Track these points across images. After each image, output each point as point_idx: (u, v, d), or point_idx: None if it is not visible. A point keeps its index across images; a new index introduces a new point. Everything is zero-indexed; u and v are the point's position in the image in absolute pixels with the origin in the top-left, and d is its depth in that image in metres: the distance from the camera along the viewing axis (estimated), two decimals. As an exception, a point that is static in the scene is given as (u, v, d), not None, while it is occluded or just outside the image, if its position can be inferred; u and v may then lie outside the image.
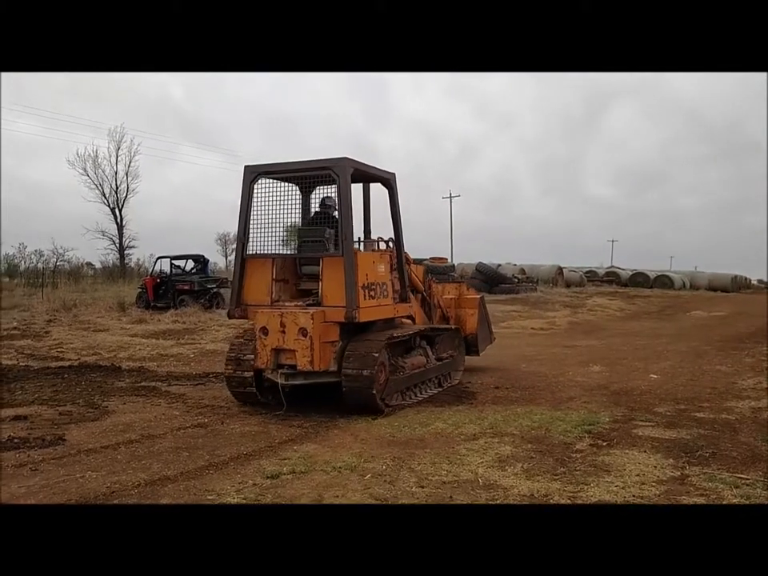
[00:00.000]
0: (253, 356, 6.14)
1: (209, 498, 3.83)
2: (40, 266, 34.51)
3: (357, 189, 6.59)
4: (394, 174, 6.99)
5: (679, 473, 4.28)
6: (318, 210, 6.77)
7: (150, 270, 21.18)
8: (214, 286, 18.67)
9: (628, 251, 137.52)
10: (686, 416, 6.01)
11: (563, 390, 7.37)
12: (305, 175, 6.29)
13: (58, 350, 10.86)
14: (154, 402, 6.75)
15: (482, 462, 4.49)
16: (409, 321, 7.24)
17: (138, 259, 41.19)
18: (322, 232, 6.33)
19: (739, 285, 43.95)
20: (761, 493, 3.86)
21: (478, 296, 8.95)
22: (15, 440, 5.10)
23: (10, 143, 55.90)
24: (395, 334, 6.52)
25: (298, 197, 6.46)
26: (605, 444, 4.98)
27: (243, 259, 6.42)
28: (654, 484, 4.05)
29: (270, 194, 6.32)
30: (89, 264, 40.88)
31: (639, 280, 39.63)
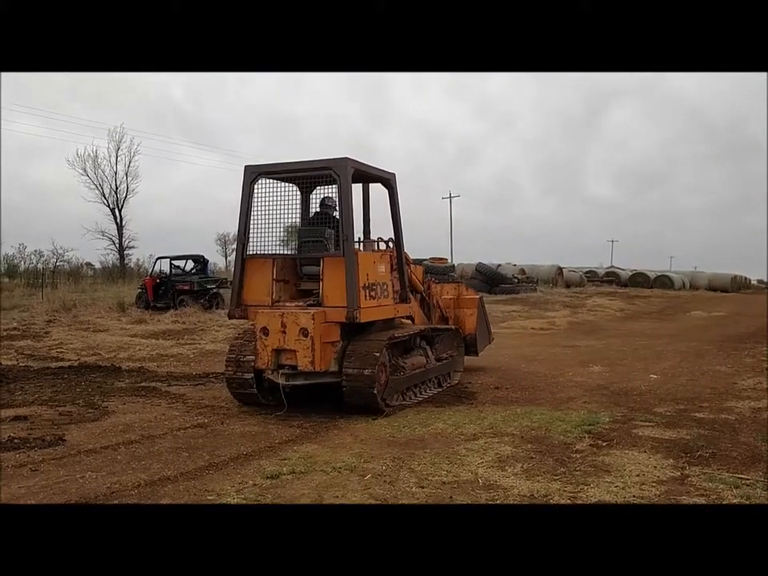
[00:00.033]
0: (253, 357, 6.13)
1: (209, 498, 3.83)
2: (40, 266, 34.47)
3: (356, 189, 6.59)
4: (394, 174, 6.99)
5: (679, 473, 4.28)
6: (317, 210, 6.78)
7: (150, 271, 21.17)
8: (214, 286, 18.67)
9: (628, 251, 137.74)
10: (685, 416, 6.01)
11: (563, 391, 7.37)
12: (305, 175, 6.29)
13: (58, 350, 10.85)
14: (153, 402, 6.74)
15: (482, 463, 4.49)
16: (408, 321, 7.25)
17: (138, 259, 41.21)
18: (323, 232, 6.34)
19: (739, 285, 43.95)
20: (761, 493, 3.86)
21: (477, 296, 8.95)
22: (15, 440, 5.10)
23: (10, 143, 55.92)
24: (396, 334, 6.52)
25: (298, 197, 6.46)
26: (605, 444, 4.98)
27: (243, 259, 6.41)
28: (653, 484, 4.05)
29: (271, 194, 6.33)
30: (88, 264, 40.91)
31: (639, 280, 39.64)
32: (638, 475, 4.21)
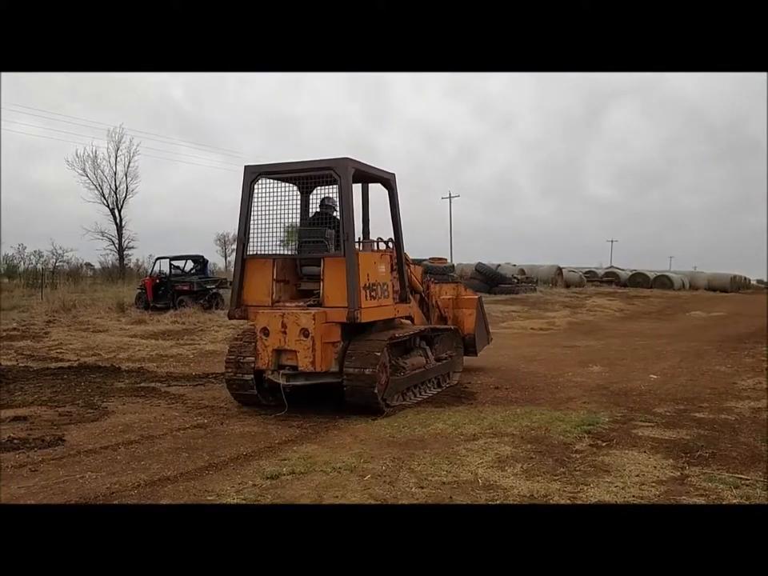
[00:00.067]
0: (253, 358, 6.13)
1: (208, 498, 3.83)
2: (39, 266, 34.45)
3: (356, 189, 6.59)
4: (393, 174, 6.99)
5: (679, 473, 4.28)
6: (317, 210, 6.77)
7: (150, 271, 21.15)
8: (214, 286, 18.66)
9: (627, 251, 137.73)
10: (685, 416, 6.01)
11: (563, 391, 7.37)
12: (306, 175, 6.29)
13: (58, 350, 10.85)
14: (153, 402, 6.74)
15: (482, 463, 4.49)
16: (408, 321, 7.25)
17: (138, 260, 41.15)
18: (323, 232, 6.34)
19: (738, 285, 43.98)
20: (761, 493, 3.86)
21: (476, 296, 8.95)
22: (15, 441, 5.09)
23: (10, 143, 55.89)
24: (397, 335, 6.53)
25: (298, 197, 6.46)
26: (604, 444, 4.98)
27: (243, 260, 6.41)
28: (653, 484, 4.05)
29: (271, 194, 6.33)
30: (88, 265, 40.89)
31: (639, 280, 39.66)
32: (637, 475, 4.21)
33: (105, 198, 38.53)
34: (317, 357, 5.80)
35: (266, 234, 6.30)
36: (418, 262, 9.00)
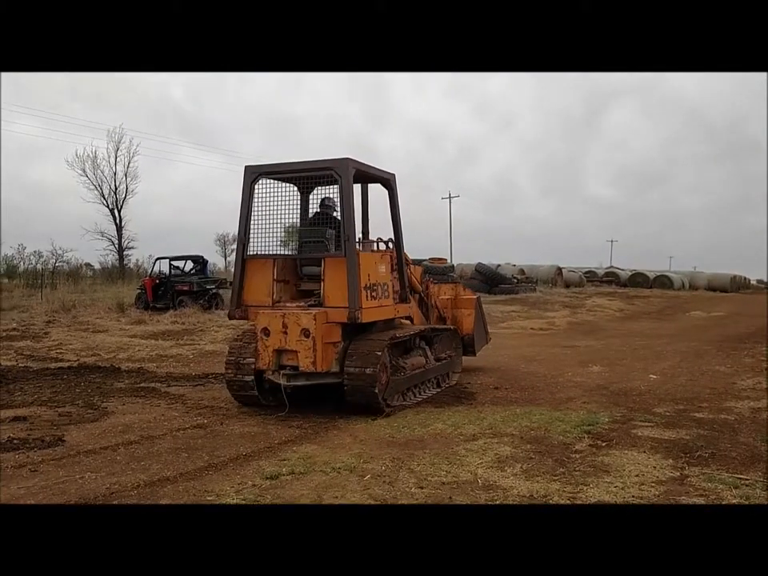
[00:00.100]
0: (253, 359, 6.13)
1: (208, 498, 3.83)
2: (39, 266, 34.43)
3: (355, 189, 6.59)
4: (394, 174, 6.99)
5: (678, 473, 4.28)
6: (317, 210, 6.77)
7: (149, 271, 21.15)
8: (213, 286, 18.66)
9: (627, 251, 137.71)
10: (685, 416, 6.01)
11: (562, 391, 7.37)
12: (307, 175, 6.29)
13: (57, 350, 10.85)
14: (153, 402, 6.74)
15: (482, 463, 4.49)
16: (407, 321, 7.25)
17: (137, 260, 41.13)
18: (323, 232, 6.33)
19: (738, 285, 43.98)
20: (760, 493, 3.86)
21: (474, 296, 8.95)
22: (15, 441, 5.09)
23: (10, 144, 55.89)
24: (397, 335, 6.53)
25: (298, 197, 6.46)
26: (604, 444, 4.98)
27: (244, 260, 6.41)
28: (653, 484, 4.05)
29: (271, 194, 6.33)
30: (88, 265, 40.88)
31: (638, 280, 39.66)
32: (637, 475, 4.21)
33: (105, 199, 38.55)
34: (317, 357, 5.80)
35: (267, 234, 6.30)
36: (417, 262, 9.00)
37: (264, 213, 6.31)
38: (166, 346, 11.26)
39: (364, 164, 6.38)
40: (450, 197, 52.07)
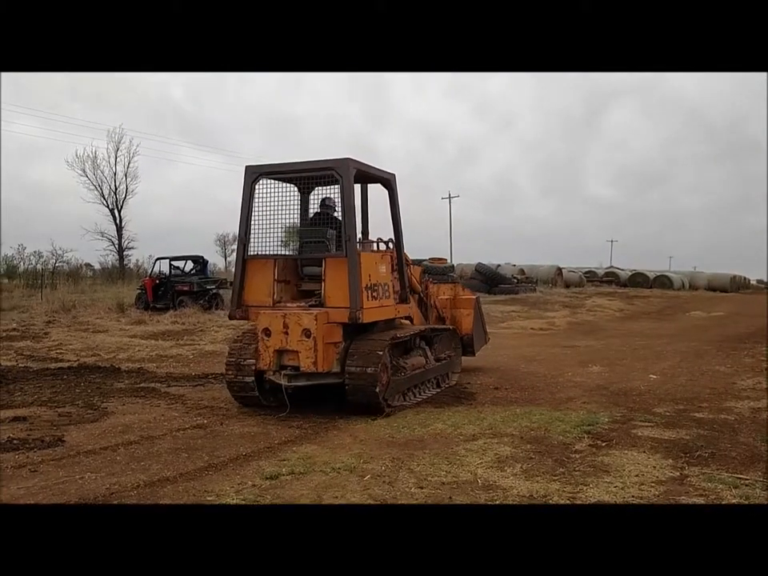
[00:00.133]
0: (253, 360, 6.12)
1: (208, 498, 3.83)
2: (39, 267, 34.41)
3: (355, 189, 6.59)
4: (394, 174, 6.99)
5: (678, 473, 4.28)
6: (318, 210, 6.77)
7: (149, 271, 21.15)
8: (213, 286, 18.65)
9: (627, 251, 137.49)
10: (685, 416, 6.01)
11: (562, 391, 7.37)
12: (308, 176, 6.29)
13: (57, 351, 10.85)
14: (153, 403, 6.74)
15: (481, 463, 4.49)
16: (407, 321, 7.25)
17: (137, 260, 41.09)
18: (324, 233, 6.33)
19: (738, 285, 43.98)
20: (760, 493, 3.86)
21: (473, 297, 8.96)
22: (14, 441, 5.09)
23: (10, 144, 55.86)
24: (398, 335, 6.53)
25: (298, 197, 6.46)
26: (604, 444, 4.98)
27: (244, 260, 6.41)
28: (653, 484, 4.05)
29: (272, 194, 6.33)
30: (88, 265, 40.85)
31: (638, 280, 39.66)
32: (637, 475, 4.21)
33: (105, 199, 38.52)
34: (319, 357, 5.80)
35: (267, 235, 6.30)
36: (417, 263, 9.01)
37: (265, 213, 6.31)
38: (166, 346, 11.27)
39: (364, 164, 6.39)
40: (449, 197, 52.13)
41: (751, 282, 54.40)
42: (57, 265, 34.61)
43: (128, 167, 38.59)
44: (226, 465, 4.56)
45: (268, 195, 6.33)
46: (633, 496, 3.83)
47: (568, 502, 3.75)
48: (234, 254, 7.39)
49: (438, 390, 7.29)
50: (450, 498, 3.81)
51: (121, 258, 39.29)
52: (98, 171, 37.99)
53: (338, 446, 5.00)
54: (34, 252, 39.62)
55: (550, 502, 3.76)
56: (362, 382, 5.85)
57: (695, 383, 7.87)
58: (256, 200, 6.35)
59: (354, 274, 5.88)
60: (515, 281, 29.26)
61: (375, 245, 7.05)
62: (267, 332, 5.93)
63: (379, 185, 7.03)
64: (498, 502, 3.74)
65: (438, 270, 16.62)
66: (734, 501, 3.75)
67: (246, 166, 6.44)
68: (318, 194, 6.88)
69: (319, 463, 4.50)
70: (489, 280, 27.16)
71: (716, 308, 23.43)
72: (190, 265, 19.71)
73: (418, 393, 6.92)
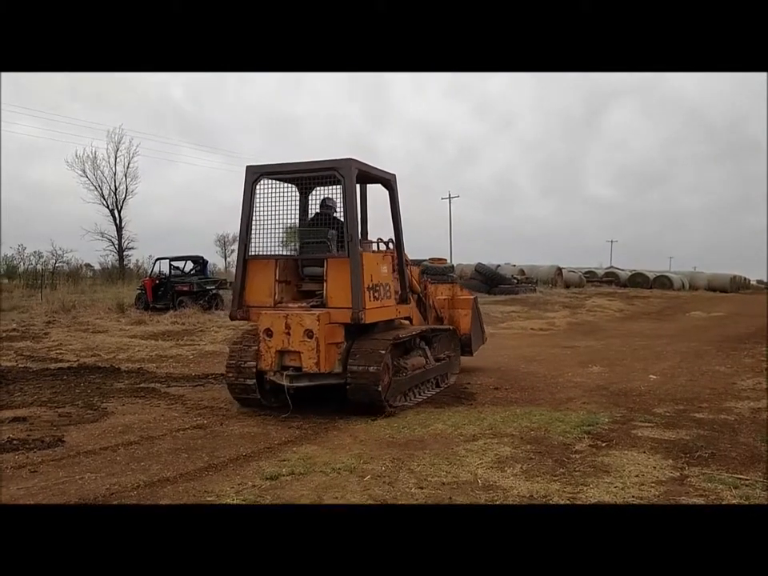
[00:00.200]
0: (254, 362, 6.12)
1: (208, 499, 3.83)
2: (39, 267, 34.43)
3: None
4: (394, 175, 6.99)
5: (678, 473, 4.28)
6: (318, 210, 6.77)
7: (149, 272, 21.15)
8: (213, 287, 18.65)
9: (627, 252, 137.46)
10: (685, 416, 6.01)
11: (562, 391, 7.37)
12: (309, 176, 6.29)
13: (57, 351, 10.84)
14: (153, 403, 6.74)
15: (482, 463, 4.49)
16: (407, 322, 7.25)
17: (137, 260, 41.09)
18: (325, 233, 6.33)
19: (738, 285, 43.99)
20: (760, 493, 3.86)
21: (471, 297, 8.96)
22: (14, 441, 5.09)
23: (10, 144, 55.84)
24: (400, 335, 6.53)
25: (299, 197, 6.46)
26: (604, 445, 4.98)
27: (245, 260, 6.40)
28: (653, 485, 4.04)
29: (273, 194, 6.32)
30: (88, 265, 40.83)
31: (638, 280, 39.66)
32: (637, 476, 4.21)
33: (104, 199, 38.53)
34: (321, 358, 5.80)
35: (268, 235, 6.30)
36: (417, 263, 9.00)
37: (266, 213, 6.31)
38: (166, 347, 11.26)
39: (366, 164, 6.39)
40: (449, 197, 52.15)
41: (751, 282, 54.42)
42: (57, 265, 34.64)
43: (128, 167, 38.63)
44: (225, 465, 4.55)
45: (269, 195, 6.32)
46: (633, 496, 3.83)
47: (568, 502, 3.75)
48: (234, 254, 7.39)
49: (438, 390, 7.29)
50: (450, 498, 3.80)
51: (121, 258, 39.29)
52: (98, 171, 38.03)
53: (338, 447, 5.00)
54: (34, 252, 39.64)
55: (550, 502, 3.75)
56: (364, 381, 5.85)
57: (695, 383, 7.87)
58: (257, 200, 6.35)
59: (357, 274, 5.88)
60: (515, 281, 29.24)
61: (375, 245, 7.05)
62: (269, 332, 5.93)
63: (379, 185, 7.03)
64: (498, 503, 3.74)
65: (436, 270, 16.61)
66: (734, 501, 3.74)
67: (247, 166, 6.43)
68: (317, 195, 6.88)
69: (319, 464, 4.49)
70: (489, 280, 27.16)
71: (716, 308, 23.43)
72: (189, 265, 19.71)
73: (419, 393, 6.92)
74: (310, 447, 5.01)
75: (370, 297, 6.05)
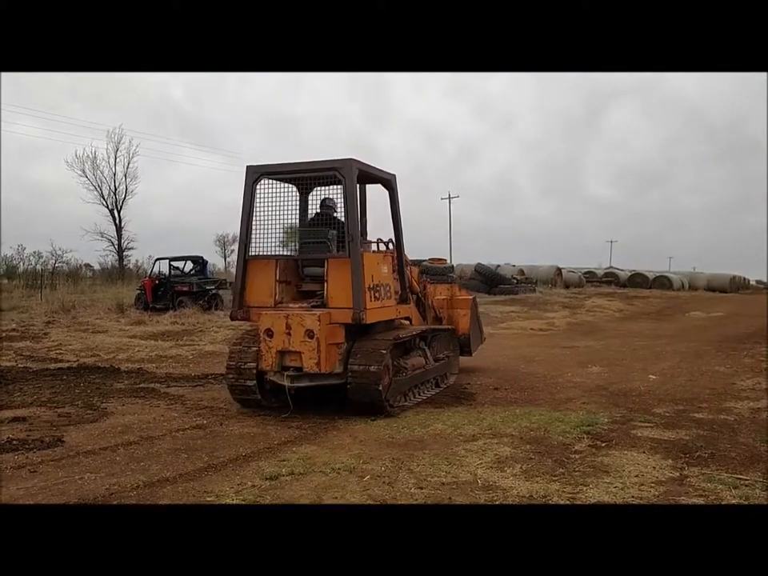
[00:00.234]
0: (254, 363, 6.11)
1: (208, 499, 3.83)
2: (39, 267, 34.46)
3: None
4: (394, 175, 7.00)
5: (678, 473, 4.28)
6: (318, 211, 6.77)
7: (149, 272, 21.16)
8: (213, 287, 18.66)
9: (627, 252, 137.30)
10: (684, 417, 6.01)
11: (562, 391, 7.37)
12: (310, 176, 6.29)
13: (57, 351, 10.84)
14: (152, 403, 6.74)
15: (481, 463, 4.49)
16: (406, 322, 7.26)
17: (137, 261, 41.11)
18: (325, 233, 6.33)
19: (738, 285, 44.00)
20: (760, 493, 3.86)
21: (470, 297, 8.96)
22: (14, 441, 5.09)
23: (10, 144, 55.81)
24: (401, 335, 6.53)
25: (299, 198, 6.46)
26: (604, 445, 4.98)
27: (246, 260, 6.40)
28: (652, 485, 4.04)
29: (273, 194, 6.32)
30: (87, 265, 40.85)
31: (638, 281, 39.67)
32: (636, 476, 4.21)
33: (104, 199, 38.53)
34: (322, 358, 5.80)
35: (269, 235, 6.30)
36: (417, 263, 9.00)
37: (266, 213, 6.31)
38: (166, 347, 11.26)
39: (366, 164, 6.39)
40: (449, 197, 52.10)
41: (751, 282, 54.43)
42: (56, 265, 34.67)
43: (128, 168, 38.64)
44: (225, 465, 4.55)
45: (269, 195, 6.32)
46: (633, 496, 3.83)
47: (568, 502, 3.75)
48: (234, 254, 7.40)
49: (437, 390, 7.29)
50: (450, 498, 3.80)
51: (120, 258, 39.30)
52: (98, 172, 38.04)
53: (337, 447, 5.00)
54: (34, 252, 39.66)
55: (550, 502, 3.75)
56: (365, 380, 5.85)
57: (695, 384, 7.87)
58: (257, 200, 6.34)
59: (358, 274, 5.88)
60: (515, 281, 29.25)
61: (375, 245, 7.05)
62: (270, 333, 5.92)
63: (379, 185, 7.03)
64: (497, 503, 3.74)
65: (436, 271, 16.61)
66: (733, 501, 3.74)
67: (248, 166, 6.43)
68: (317, 195, 6.88)
69: (319, 464, 4.49)
70: (488, 280, 27.17)
71: (715, 308, 23.43)
72: (189, 265, 19.71)
73: (418, 393, 6.92)
74: (310, 447, 5.01)
75: (370, 297, 6.05)
